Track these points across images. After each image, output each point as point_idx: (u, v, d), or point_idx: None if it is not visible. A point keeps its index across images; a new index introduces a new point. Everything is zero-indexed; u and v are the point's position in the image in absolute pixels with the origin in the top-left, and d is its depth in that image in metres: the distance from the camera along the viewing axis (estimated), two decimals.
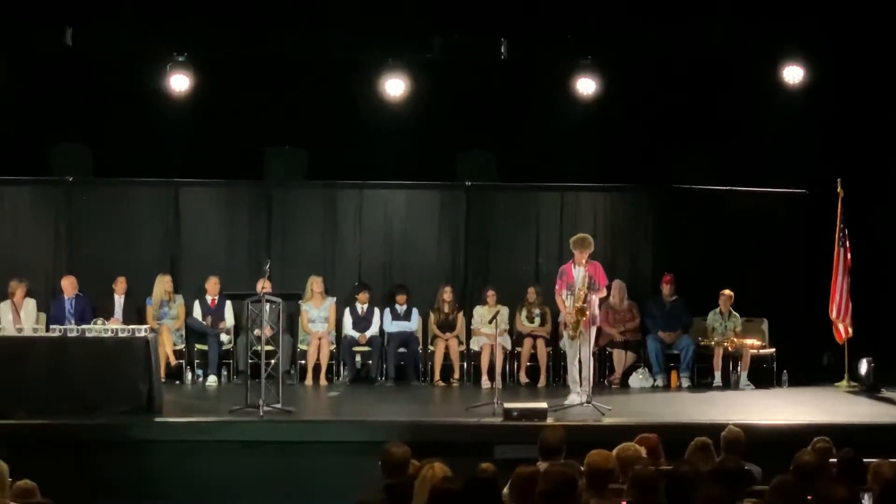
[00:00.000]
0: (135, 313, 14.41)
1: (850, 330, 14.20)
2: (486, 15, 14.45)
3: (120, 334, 11.91)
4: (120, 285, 14.57)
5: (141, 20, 14.29)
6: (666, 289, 14.96)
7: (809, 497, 6.34)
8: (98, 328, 12.22)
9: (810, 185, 15.29)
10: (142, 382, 11.55)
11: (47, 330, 12.73)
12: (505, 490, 6.53)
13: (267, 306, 12.47)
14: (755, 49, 14.68)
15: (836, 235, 14.26)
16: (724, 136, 15.40)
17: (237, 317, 14.67)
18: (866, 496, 6.71)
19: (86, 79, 14.72)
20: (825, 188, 14.45)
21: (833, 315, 14.24)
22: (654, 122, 15.34)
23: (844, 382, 14.14)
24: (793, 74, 14.78)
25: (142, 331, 12.02)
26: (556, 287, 12.73)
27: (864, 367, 13.87)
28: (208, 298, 14.72)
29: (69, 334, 11.91)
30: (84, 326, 12.31)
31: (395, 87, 14.78)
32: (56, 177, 15.26)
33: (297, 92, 15.05)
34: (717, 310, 14.80)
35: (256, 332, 12.88)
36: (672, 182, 15.73)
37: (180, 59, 14.42)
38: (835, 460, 7.51)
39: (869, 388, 13.68)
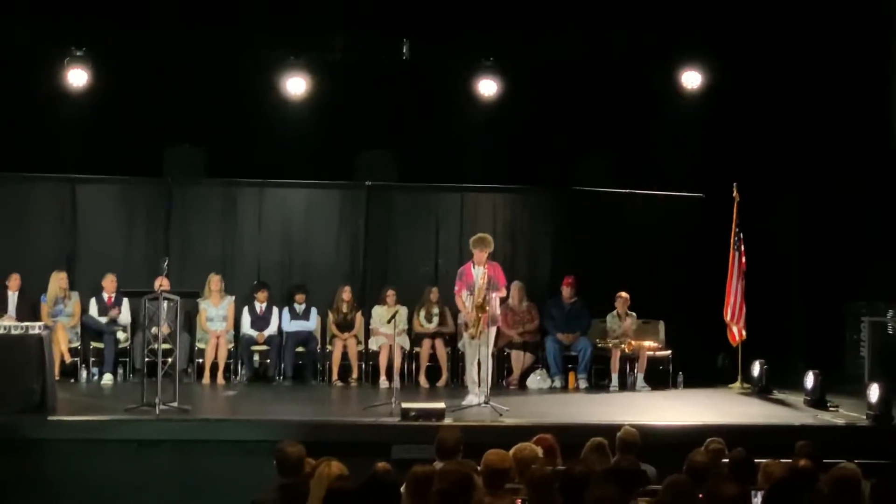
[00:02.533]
0: (29, 310, 14.14)
1: (743, 332, 14.38)
2: (387, 16, 14.55)
3: (13, 332, 11.67)
4: (14, 282, 14.30)
5: (38, 14, 14.10)
6: (565, 291, 15.00)
7: (701, 496, 6.43)
8: None
9: (707, 188, 15.47)
10: (35, 380, 11.32)
11: None
12: (402, 489, 6.52)
13: (164, 304, 12.34)
14: (654, 54, 14.89)
15: (732, 239, 14.44)
16: (624, 140, 15.54)
17: (134, 314, 14.47)
18: (757, 495, 6.80)
19: None
20: (721, 192, 14.63)
21: (727, 318, 14.42)
22: (554, 124, 15.46)
23: (738, 384, 14.33)
24: (690, 79, 15.00)
25: (35, 328, 11.79)
26: (456, 288, 12.74)
27: (756, 369, 14.06)
28: (105, 296, 14.53)
29: None
30: None
31: (296, 85, 14.78)
32: None
33: (198, 89, 14.91)
34: (615, 312, 14.91)
35: (153, 329, 12.75)
36: (572, 184, 15.85)
37: (78, 53, 14.28)
38: (727, 460, 7.61)
39: (761, 390, 13.87)
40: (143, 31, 14.27)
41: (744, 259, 14.42)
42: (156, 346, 12.35)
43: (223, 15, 14.28)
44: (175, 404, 11.45)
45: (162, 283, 12.61)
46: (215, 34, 14.37)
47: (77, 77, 14.31)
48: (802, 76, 15.21)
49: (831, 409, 12.40)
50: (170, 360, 12.25)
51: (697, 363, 14.90)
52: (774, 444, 8.46)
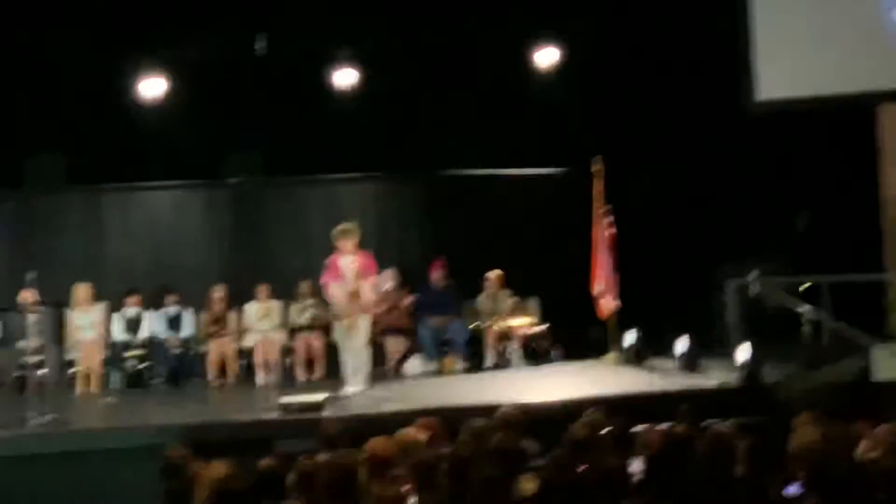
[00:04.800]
0: None
1: (612, 304, 14.50)
2: (245, 13, 14.47)
3: None
4: None
5: None
6: (435, 275, 15.04)
7: (582, 468, 6.52)
8: None
9: (571, 163, 15.61)
10: None
11: None
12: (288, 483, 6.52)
13: (31, 317, 12.13)
14: (509, 33, 14.97)
15: (594, 212, 14.53)
16: (487, 119, 15.61)
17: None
18: (636, 462, 6.92)
19: None
20: (585, 166, 14.76)
21: (595, 291, 14.54)
22: (415, 110, 15.49)
23: (612, 355, 14.47)
24: (547, 56, 15.14)
25: None
26: (322, 279, 12.77)
27: (628, 338, 14.23)
28: None
29: None
30: None
31: (153, 87, 14.67)
32: None
33: (55, 96, 14.68)
34: (486, 292, 15.01)
35: (20, 343, 12.52)
36: (436, 168, 15.95)
37: None
38: (606, 431, 7.72)
39: (635, 359, 14.05)
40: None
41: (613, 230, 14.49)
42: (24, 360, 12.11)
43: (79, 20, 14.06)
44: (49, 417, 11.22)
45: (27, 296, 12.37)
46: (72, 36, 14.16)
47: None
48: (655, 39, 15.39)
49: (702, 372, 12.66)
50: (40, 372, 12.03)
51: (573, 338, 15.03)
52: (652, 412, 8.61)
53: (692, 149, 15.33)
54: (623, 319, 14.51)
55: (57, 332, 14.16)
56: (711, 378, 12.29)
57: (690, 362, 13.03)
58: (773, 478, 6.44)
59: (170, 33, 14.53)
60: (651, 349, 14.13)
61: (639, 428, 7.59)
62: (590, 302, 14.65)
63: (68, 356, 14.35)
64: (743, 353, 11.84)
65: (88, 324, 14.40)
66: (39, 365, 12.24)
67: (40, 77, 14.55)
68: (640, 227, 15.47)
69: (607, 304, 14.50)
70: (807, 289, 13.92)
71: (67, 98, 14.65)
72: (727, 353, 12.56)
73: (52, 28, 14.07)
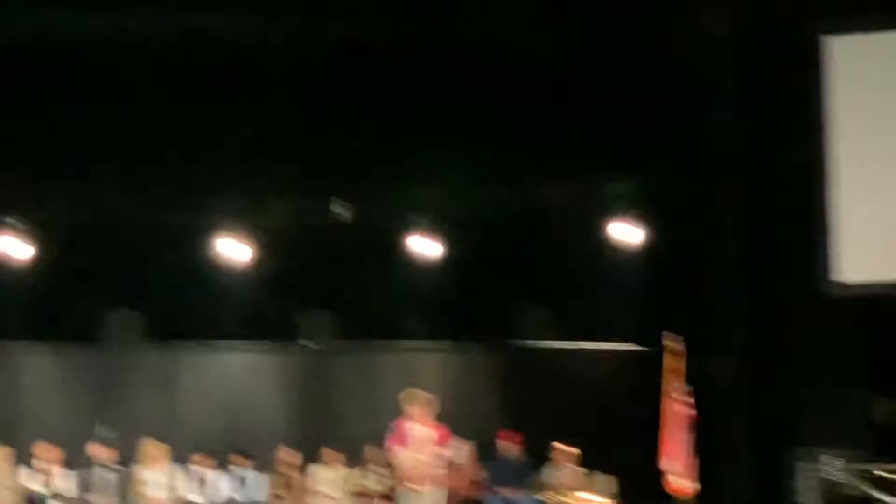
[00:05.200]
0: None
1: (693, 486, 13.96)
2: (321, 178, 14.53)
3: None
4: None
5: None
6: (508, 446, 14.77)
7: None
8: None
9: (650, 341, 15.28)
10: None
11: None
12: None
13: (103, 472, 12.03)
14: (590, 208, 14.87)
15: (670, 390, 14.08)
16: (560, 294, 15.48)
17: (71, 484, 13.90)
18: None
19: None
20: (659, 344, 14.40)
21: (662, 465, 14.02)
22: (492, 279, 15.38)
23: None
24: (625, 232, 14.97)
25: None
26: (389, 443, 12.62)
27: None
28: (40, 464, 13.97)
29: None
30: None
31: (233, 248, 14.85)
32: None
33: (134, 255, 14.83)
34: (555, 465, 14.64)
35: (91, 499, 12.38)
36: (511, 338, 15.84)
37: (8, 221, 14.22)
38: None
39: None
40: (74, 196, 14.27)
41: (692, 410, 14.06)
42: None
43: (159, 178, 14.24)
44: None
45: (99, 451, 12.26)
46: (152, 199, 14.36)
47: (8, 244, 14.33)
48: (738, 229, 15.15)
49: None
50: None
51: None
52: None
53: (772, 330, 14.89)
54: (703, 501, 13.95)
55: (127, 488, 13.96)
56: None
57: None
58: None
59: (252, 196, 14.77)
60: None
61: None
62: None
63: None
64: None
65: (157, 482, 14.14)
66: None
67: (121, 236, 14.73)
68: (715, 407, 15.01)
69: (678, 482, 13.93)
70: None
71: (147, 257, 14.82)
72: None
73: (137, 190, 14.19)
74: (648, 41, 13.88)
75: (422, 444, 12.23)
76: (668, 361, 13.91)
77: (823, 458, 13.14)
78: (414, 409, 12.36)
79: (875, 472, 13.41)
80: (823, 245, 13.51)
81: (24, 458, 14.17)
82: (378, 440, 14.72)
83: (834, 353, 14.52)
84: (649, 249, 15.15)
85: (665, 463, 13.75)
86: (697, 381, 14.13)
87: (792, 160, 13.88)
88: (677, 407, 13.79)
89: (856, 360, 14.67)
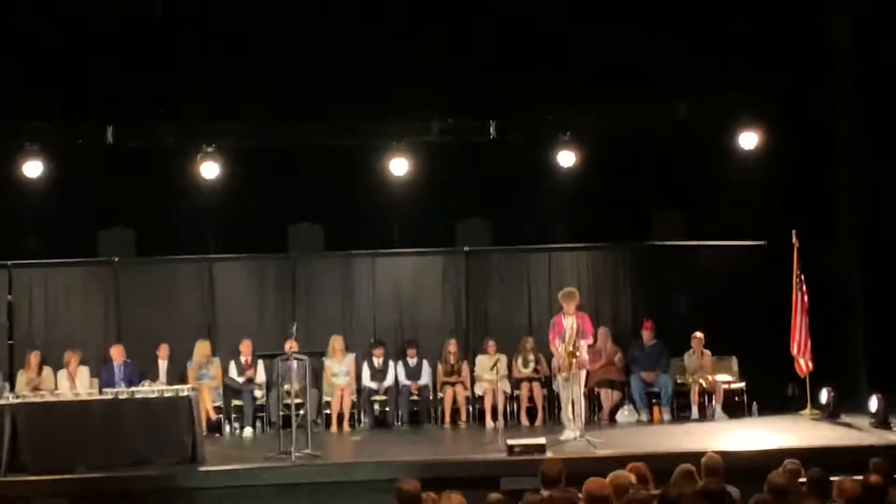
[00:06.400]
0: (177, 375, 14.36)
1: (810, 364, 14.12)
2: (475, 101, 14.81)
3: (165, 394, 11.83)
4: (163, 351, 14.55)
5: (174, 118, 14.47)
6: (646, 334, 14.94)
7: None
8: (146, 389, 12.09)
9: (768, 236, 15.29)
10: (187, 436, 11.48)
11: (100, 393, 12.47)
12: None
13: (294, 364, 12.52)
14: (715, 119, 14.80)
15: (794, 280, 14.20)
16: (692, 197, 15.45)
17: (268, 374, 14.61)
18: None
19: (128, 171, 14.74)
20: (782, 238, 14.41)
21: (794, 351, 14.16)
22: (628, 187, 15.41)
23: (808, 410, 14.05)
24: (748, 140, 14.90)
25: (185, 390, 11.95)
26: (550, 337, 12.78)
27: (824, 396, 13.79)
28: (242, 359, 14.69)
29: (120, 396, 11.79)
30: (133, 388, 12.22)
31: (399, 166, 15.00)
32: (104, 258, 15.29)
33: (315, 175, 15.09)
34: (691, 350, 14.79)
35: (286, 387, 12.93)
36: (647, 240, 15.83)
37: (209, 150, 14.57)
38: (804, 479, 7.47)
39: (830, 415, 13.59)
40: (262, 124, 14.66)
41: (806, 298, 14.17)
42: (289, 401, 12.47)
43: (333, 108, 14.59)
44: (308, 451, 11.57)
45: (291, 346, 12.72)
46: (328, 126, 14.64)
47: (209, 170, 14.67)
48: (854, 129, 15.02)
49: (895, 429, 12.17)
50: (301, 412, 12.35)
51: (769, 393, 14.68)
52: (845, 464, 8.29)
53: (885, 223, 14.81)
54: (818, 378, 14.07)
55: (315, 377, 14.46)
56: None
57: (883, 419, 12.55)
58: None
59: (416, 119, 15.03)
60: (845, 406, 13.65)
61: (834, 478, 7.30)
62: (784, 361, 14.27)
63: (324, 399, 14.66)
64: None
65: (341, 371, 14.70)
66: (300, 406, 12.55)
67: (304, 158, 14.99)
68: (837, 292, 15.04)
69: (805, 363, 14.12)
70: None
71: (326, 176, 15.02)
72: None
73: (314, 118, 14.55)
74: None
75: (573, 334, 12.40)
76: (792, 256, 14.09)
77: None
78: (569, 305, 12.52)
79: None
80: None
81: (229, 353, 14.86)
82: (530, 331, 15.16)
83: None
84: (773, 156, 15.04)
85: (792, 346, 13.99)
86: (817, 273, 14.28)
87: None
88: (800, 296, 13.99)
89: None
